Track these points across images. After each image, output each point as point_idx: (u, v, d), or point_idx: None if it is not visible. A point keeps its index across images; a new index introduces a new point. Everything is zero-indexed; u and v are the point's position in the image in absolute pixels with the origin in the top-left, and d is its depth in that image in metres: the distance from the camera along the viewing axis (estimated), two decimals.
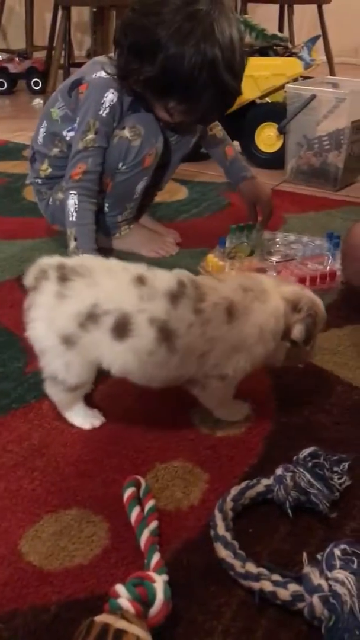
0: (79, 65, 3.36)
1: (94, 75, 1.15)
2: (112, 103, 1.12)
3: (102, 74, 1.14)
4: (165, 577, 0.55)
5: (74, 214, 1.12)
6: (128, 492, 0.65)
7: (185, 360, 0.71)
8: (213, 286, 0.74)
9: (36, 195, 1.31)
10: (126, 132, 1.14)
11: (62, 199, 1.20)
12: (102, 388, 0.85)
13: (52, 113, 1.22)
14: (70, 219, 1.12)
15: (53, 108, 1.22)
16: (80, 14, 4.23)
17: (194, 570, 0.59)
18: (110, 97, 1.12)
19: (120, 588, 0.52)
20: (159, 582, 0.52)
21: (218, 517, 0.63)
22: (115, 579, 0.58)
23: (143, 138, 1.14)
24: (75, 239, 1.11)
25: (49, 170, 1.25)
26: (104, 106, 1.12)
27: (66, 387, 0.75)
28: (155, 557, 0.58)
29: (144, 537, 0.60)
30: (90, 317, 0.69)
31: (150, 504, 0.65)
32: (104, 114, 1.12)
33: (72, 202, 1.12)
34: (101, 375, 0.87)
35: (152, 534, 0.61)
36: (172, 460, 0.73)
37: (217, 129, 1.34)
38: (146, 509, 0.64)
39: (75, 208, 1.12)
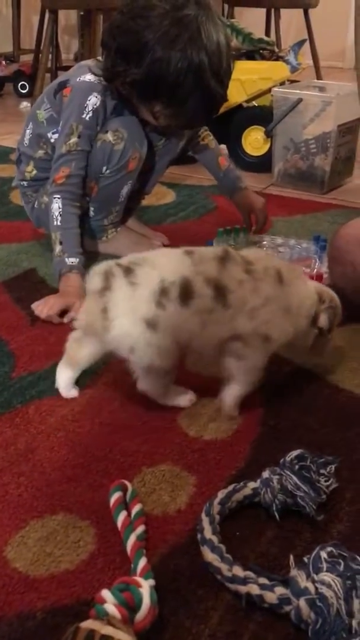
0: (67, 68, 3.36)
1: (78, 79, 1.14)
2: (95, 107, 1.12)
3: (87, 77, 1.14)
4: (151, 581, 0.55)
5: (58, 218, 1.12)
6: (114, 497, 0.65)
7: (238, 314, 0.76)
8: (258, 257, 0.81)
9: (22, 197, 1.30)
10: (109, 136, 1.14)
11: (46, 202, 1.20)
12: (89, 392, 0.85)
13: (38, 115, 1.21)
14: (55, 223, 1.12)
15: (39, 110, 1.21)
16: (68, 18, 4.23)
17: (180, 574, 0.59)
18: (94, 100, 1.12)
19: (106, 593, 0.51)
20: (145, 587, 0.52)
21: (205, 520, 0.62)
22: (101, 584, 0.57)
23: (126, 142, 1.14)
24: (61, 243, 1.10)
25: (34, 172, 1.24)
26: (87, 110, 1.12)
27: (162, 373, 0.79)
28: (142, 562, 0.57)
29: (131, 542, 0.60)
30: (163, 293, 0.75)
31: (137, 508, 0.65)
32: (87, 118, 1.12)
33: (56, 206, 1.12)
34: (87, 378, 0.87)
35: (138, 538, 0.61)
36: (159, 464, 0.72)
37: (209, 139, 1.35)
38: (133, 513, 0.64)
39: (59, 212, 1.12)
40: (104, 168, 1.15)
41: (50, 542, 0.62)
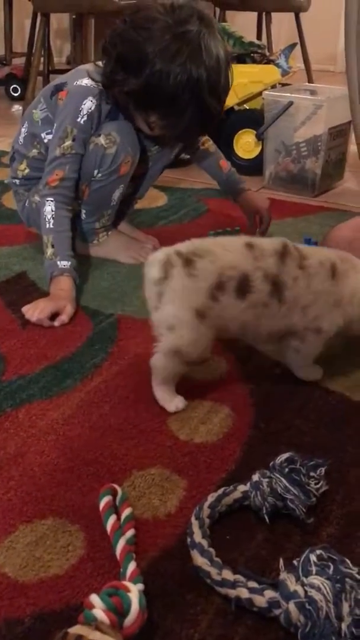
0: (59, 71, 3.37)
1: (75, 83, 1.15)
2: (90, 111, 1.12)
3: (84, 81, 1.14)
4: (140, 586, 0.54)
5: (51, 221, 1.12)
6: (104, 501, 0.65)
7: (291, 311, 0.80)
8: (313, 250, 0.84)
9: (14, 196, 1.30)
10: (102, 140, 1.14)
11: (38, 201, 1.20)
12: (78, 395, 0.85)
13: (34, 114, 1.22)
14: (47, 225, 1.12)
15: (35, 109, 1.22)
16: (60, 21, 4.23)
17: (170, 578, 0.59)
18: (89, 104, 1.12)
19: (94, 598, 0.51)
20: (134, 592, 0.52)
21: (195, 524, 0.62)
22: (91, 589, 0.57)
23: (118, 146, 1.14)
24: (53, 246, 1.10)
25: (27, 170, 1.25)
26: (81, 114, 1.12)
27: (185, 361, 0.80)
28: (131, 566, 0.57)
29: (120, 546, 0.60)
30: (219, 287, 0.77)
31: (126, 512, 0.64)
32: (81, 122, 1.13)
33: (49, 208, 1.12)
34: (78, 382, 0.87)
35: (128, 542, 0.60)
36: (150, 468, 0.72)
37: (209, 144, 1.36)
38: (123, 517, 0.64)
39: (52, 215, 1.12)
40: (96, 171, 1.16)
41: (39, 547, 0.62)
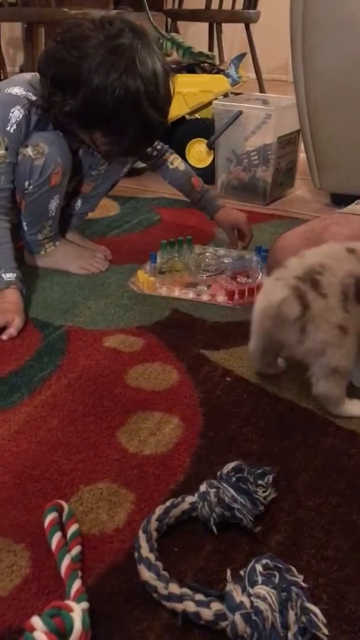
0: None
1: (6, 90, 1.13)
2: (18, 119, 1.11)
3: (15, 90, 1.12)
4: (85, 604, 0.53)
5: None
6: (49, 518, 0.63)
7: None
8: None
9: None
10: (29, 151, 1.12)
11: None
12: (26, 410, 0.83)
13: None
14: None
15: None
16: (13, 30, 4.19)
17: (117, 595, 0.58)
18: (17, 113, 1.10)
19: (36, 620, 0.50)
20: (77, 611, 0.51)
21: (142, 538, 0.61)
22: (35, 609, 0.56)
23: (46, 157, 1.12)
24: None
25: None
26: (10, 122, 1.11)
27: (343, 375, 0.81)
28: (76, 585, 0.56)
29: (65, 564, 0.58)
30: (344, 297, 0.78)
31: (73, 528, 0.63)
32: (11, 130, 1.11)
33: None
34: (25, 396, 0.85)
35: (73, 560, 0.59)
36: (97, 482, 0.71)
37: (178, 162, 1.36)
38: (69, 534, 0.63)
39: None
40: (27, 183, 1.14)
41: None
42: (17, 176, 1.14)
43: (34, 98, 1.11)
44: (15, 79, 1.17)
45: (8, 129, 1.10)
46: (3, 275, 1.07)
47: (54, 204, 1.19)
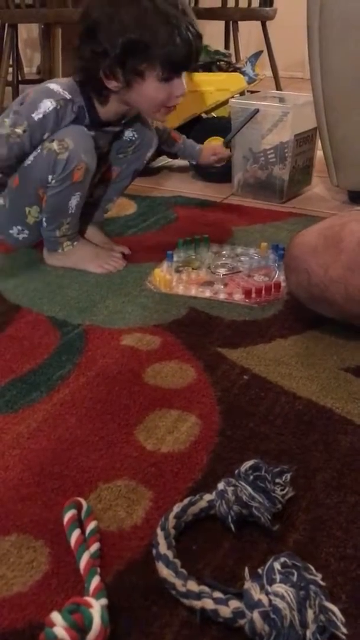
0: (29, 82, 3.36)
1: (42, 85, 1.18)
2: (47, 111, 1.13)
3: (52, 85, 1.16)
4: (104, 601, 0.54)
5: None
6: (68, 515, 0.64)
7: None
8: None
9: None
10: (54, 145, 1.14)
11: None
12: (45, 408, 0.84)
13: (5, 123, 1.20)
14: None
15: (6, 118, 1.21)
16: (30, 31, 4.22)
17: (135, 591, 0.58)
18: (47, 104, 1.13)
19: (55, 616, 0.50)
20: (96, 607, 0.51)
21: (160, 535, 0.62)
22: (55, 605, 0.56)
23: (71, 152, 1.14)
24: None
25: None
26: (37, 111, 1.13)
27: None
28: (95, 581, 0.56)
29: (84, 561, 0.59)
30: None
31: (91, 525, 0.64)
32: (35, 118, 1.13)
33: None
34: (44, 395, 0.86)
35: (92, 556, 0.60)
36: (116, 480, 0.72)
37: (156, 123, 1.40)
38: (87, 531, 0.63)
39: None
40: (50, 177, 1.16)
41: (2, 564, 0.61)
42: (41, 170, 1.16)
43: (68, 97, 1.14)
44: (54, 79, 1.21)
45: (33, 115, 1.13)
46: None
47: (74, 201, 1.20)
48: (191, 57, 1.14)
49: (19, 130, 1.14)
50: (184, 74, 1.16)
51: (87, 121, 1.19)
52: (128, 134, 1.31)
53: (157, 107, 1.18)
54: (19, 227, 1.26)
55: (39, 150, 1.17)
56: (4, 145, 1.15)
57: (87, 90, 1.17)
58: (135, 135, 1.31)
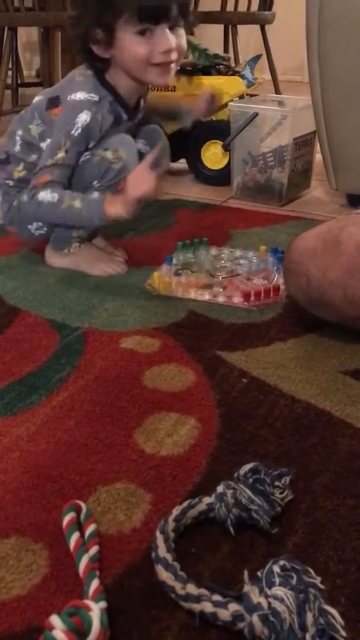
0: (28, 85, 3.36)
1: (69, 97, 1.17)
2: (85, 124, 1.15)
3: (78, 95, 1.16)
4: (103, 604, 0.54)
5: (62, 200, 1.14)
6: (67, 518, 0.64)
7: None
8: None
9: (1, 196, 1.30)
10: (109, 154, 1.17)
11: (25, 201, 1.22)
12: (44, 410, 0.84)
13: (31, 130, 1.24)
14: (62, 206, 1.14)
15: (31, 125, 1.24)
16: (30, 34, 4.23)
17: (134, 594, 0.58)
18: (84, 117, 1.15)
19: (54, 619, 0.50)
20: (95, 611, 0.51)
21: (159, 538, 0.62)
22: (54, 608, 0.56)
23: (123, 163, 1.17)
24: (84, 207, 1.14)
25: (24, 172, 1.26)
26: (76, 127, 1.14)
27: None
28: (94, 584, 0.56)
29: (83, 564, 0.59)
30: None
31: (90, 528, 0.64)
32: (75, 134, 1.15)
33: (49, 196, 1.14)
34: (43, 397, 0.86)
35: (91, 560, 0.60)
36: (115, 482, 0.72)
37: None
38: (86, 534, 0.63)
39: (56, 197, 1.14)
40: (95, 182, 1.18)
41: (1, 567, 0.61)
42: (89, 175, 1.18)
43: (96, 98, 1.16)
44: (72, 82, 1.20)
45: (73, 132, 1.15)
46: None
47: None
48: (163, 5, 1.09)
49: (60, 155, 1.15)
50: (169, 29, 1.11)
51: (123, 113, 1.20)
52: (140, 145, 1.31)
53: (143, 64, 1.13)
54: (39, 224, 1.26)
55: (88, 156, 1.18)
56: (50, 170, 1.15)
57: (101, 75, 1.17)
58: (148, 149, 1.30)
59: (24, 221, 1.27)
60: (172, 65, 1.15)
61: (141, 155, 1.30)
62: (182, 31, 1.15)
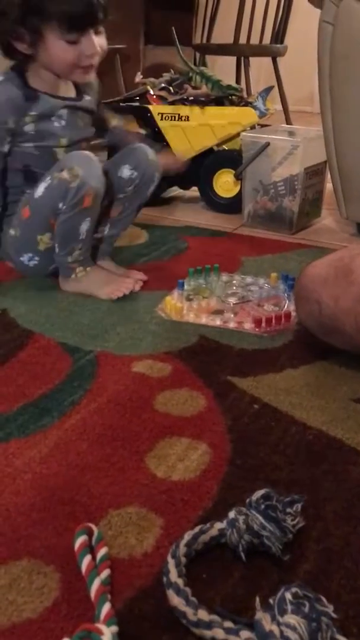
0: None
1: None
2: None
3: None
4: (114, 628, 0.54)
5: None
6: (79, 541, 0.64)
7: None
8: None
9: None
10: (65, 174, 1.19)
11: None
12: (56, 433, 0.84)
13: None
14: None
15: None
16: None
17: (146, 619, 0.58)
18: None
19: None
20: (107, 635, 0.51)
21: (171, 563, 0.62)
22: (64, 632, 0.56)
23: (81, 179, 1.18)
24: None
25: None
26: None
27: None
28: (106, 608, 0.56)
29: (95, 587, 0.59)
30: None
31: (102, 552, 0.64)
32: None
33: None
34: (56, 419, 0.87)
35: (103, 583, 0.60)
36: (127, 506, 0.72)
37: (113, 121, 1.44)
38: (98, 557, 0.63)
39: None
40: (61, 204, 1.20)
41: (13, 590, 0.61)
42: (53, 198, 1.20)
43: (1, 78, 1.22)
44: None
45: None
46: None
47: (84, 227, 1.23)
48: (91, 14, 1.16)
49: None
50: (94, 33, 1.18)
51: (50, 97, 1.23)
52: (126, 172, 1.32)
53: (70, 67, 1.20)
54: (30, 255, 1.28)
55: (49, 181, 1.21)
56: None
57: (21, 67, 1.22)
58: (135, 174, 1.32)
59: (15, 254, 1.30)
60: (95, 65, 1.24)
61: (129, 182, 1.32)
62: (102, 29, 1.21)
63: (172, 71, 2.03)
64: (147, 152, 1.34)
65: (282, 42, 3.03)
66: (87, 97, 1.32)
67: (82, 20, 1.15)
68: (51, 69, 1.22)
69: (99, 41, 1.19)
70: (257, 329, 1.14)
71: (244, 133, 1.77)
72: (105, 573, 0.61)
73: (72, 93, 1.30)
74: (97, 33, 1.19)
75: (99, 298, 1.26)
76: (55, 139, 1.27)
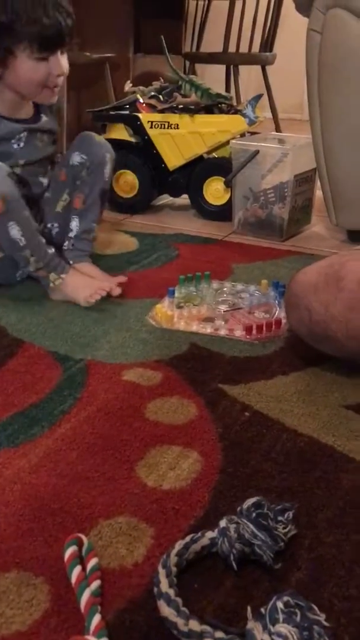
0: None
1: None
2: None
3: None
4: None
5: None
6: (69, 552, 0.63)
7: None
8: None
9: None
10: None
11: None
12: (46, 442, 0.84)
13: None
14: None
15: None
16: None
17: (136, 630, 0.58)
18: None
19: None
20: None
21: (162, 573, 0.61)
22: None
23: None
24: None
25: None
26: None
27: None
28: (96, 619, 0.56)
29: (85, 599, 0.58)
30: None
31: (92, 562, 0.63)
32: None
33: None
34: (46, 429, 0.86)
35: (93, 594, 0.59)
36: (117, 516, 0.71)
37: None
38: (88, 568, 0.63)
39: None
40: None
41: (2, 602, 0.60)
42: None
43: None
44: None
45: None
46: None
47: (14, 232, 1.19)
48: (60, 36, 1.19)
49: None
50: (61, 53, 1.21)
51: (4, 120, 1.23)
52: (76, 158, 1.34)
53: (37, 87, 1.23)
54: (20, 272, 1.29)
55: None
56: None
57: None
58: (84, 157, 1.34)
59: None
60: (59, 85, 1.26)
61: (81, 166, 1.33)
62: (65, 51, 1.24)
63: (161, 79, 2.04)
64: (92, 135, 1.37)
65: (271, 50, 3.05)
66: (44, 118, 1.34)
67: (52, 41, 1.18)
68: (17, 89, 1.23)
69: (63, 62, 1.23)
70: (248, 336, 1.14)
71: (233, 141, 1.78)
72: (96, 584, 0.61)
73: (31, 113, 1.32)
74: (62, 54, 1.22)
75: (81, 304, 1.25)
76: (14, 159, 1.28)
